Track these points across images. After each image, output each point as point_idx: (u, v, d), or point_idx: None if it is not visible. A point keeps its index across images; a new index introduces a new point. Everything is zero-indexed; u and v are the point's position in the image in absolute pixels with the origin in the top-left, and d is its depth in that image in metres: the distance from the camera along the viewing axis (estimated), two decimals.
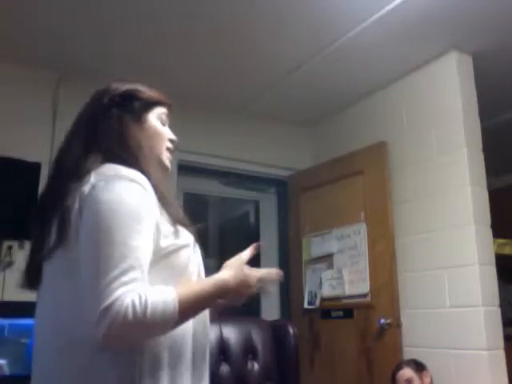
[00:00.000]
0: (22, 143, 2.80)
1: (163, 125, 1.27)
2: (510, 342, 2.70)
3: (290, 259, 3.65)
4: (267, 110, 3.61)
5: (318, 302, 3.31)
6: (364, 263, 3.06)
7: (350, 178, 3.25)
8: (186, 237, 1.14)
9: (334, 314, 3.23)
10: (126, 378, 0.98)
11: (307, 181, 3.60)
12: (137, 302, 0.93)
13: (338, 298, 3.20)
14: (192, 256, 1.15)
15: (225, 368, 2.26)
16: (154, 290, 0.98)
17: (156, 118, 1.25)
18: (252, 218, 4.08)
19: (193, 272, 1.14)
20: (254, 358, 2.33)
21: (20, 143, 2.80)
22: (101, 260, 0.96)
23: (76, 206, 1.03)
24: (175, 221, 1.11)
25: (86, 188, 1.03)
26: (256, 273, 1.19)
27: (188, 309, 1.02)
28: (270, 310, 3.68)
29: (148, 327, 0.96)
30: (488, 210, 2.69)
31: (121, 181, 1.04)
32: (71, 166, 1.12)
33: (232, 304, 1.27)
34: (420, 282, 2.82)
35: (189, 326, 1.10)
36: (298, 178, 3.70)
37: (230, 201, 4.09)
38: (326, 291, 3.27)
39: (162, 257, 1.07)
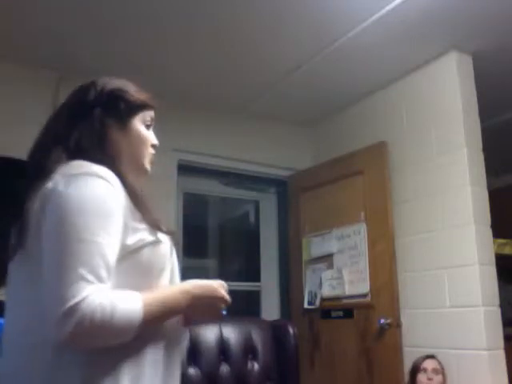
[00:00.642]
0: (22, 143, 2.78)
1: (148, 128, 1.25)
2: (510, 342, 2.70)
3: (290, 259, 3.65)
4: (267, 110, 3.61)
5: (317, 302, 3.31)
6: (364, 263, 3.06)
7: (350, 178, 3.25)
8: (159, 236, 1.10)
9: (333, 314, 3.23)
10: (88, 379, 0.95)
11: (307, 181, 3.60)
12: (106, 305, 0.91)
13: (337, 298, 3.20)
14: (163, 255, 1.10)
15: (225, 368, 2.25)
16: (122, 293, 0.96)
17: (141, 122, 1.22)
18: (252, 218, 4.08)
19: (163, 274, 1.10)
20: (254, 358, 2.33)
21: (20, 143, 2.77)
22: (65, 257, 0.92)
23: (37, 204, 1.00)
24: (149, 223, 1.08)
25: (50, 184, 1.00)
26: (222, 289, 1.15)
27: (153, 316, 1.00)
28: (270, 310, 3.69)
29: (113, 331, 0.93)
30: (488, 210, 2.69)
31: (87, 177, 1.00)
32: (39, 163, 1.08)
33: (203, 321, 1.23)
34: (420, 282, 2.82)
35: (160, 327, 1.07)
36: (298, 178, 3.70)
37: (230, 201, 4.09)
38: (326, 291, 3.27)
39: (128, 254, 1.03)
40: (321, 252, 3.37)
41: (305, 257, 3.50)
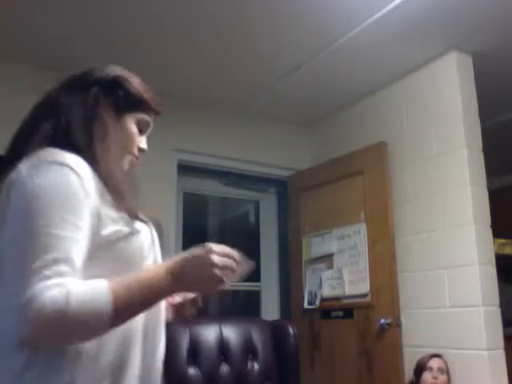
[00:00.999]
0: None
1: (140, 131, 1.17)
2: (510, 342, 2.70)
3: (289, 259, 3.65)
4: (267, 110, 3.61)
5: (318, 302, 3.31)
6: (364, 263, 3.06)
7: (350, 178, 3.25)
8: (137, 226, 1.04)
9: (333, 314, 3.23)
10: (44, 379, 0.89)
11: (307, 181, 3.59)
12: (59, 298, 0.84)
13: (337, 298, 3.20)
14: (141, 245, 1.03)
15: (225, 368, 2.26)
16: (83, 283, 0.88)
17: (134, 121, 1.15)
18: (252, 218, 4.08)
19: (143, 265, 1.03)
20: (254, 358, 2.34)
21: None
22: (22, 251, 0.87)
23: (4, 193, 0.96)
24: (126, 212, 1.01)
25: (15, 173, 0.95)
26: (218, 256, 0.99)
27: (126, 303, 0.90)
28: (270, 310, 3.69)
29: (73, 326, 0.85)
30: (488, 210, 2.69)
31: (51, 165, 0.94)
32: (14, 150, 1.04)
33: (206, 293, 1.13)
34: (420, 281, 2.82)
35: (134, 326, 0.99)
36: (297, 178, 3.70)
37: (230, 201, 4.09)
38: (326, 291, 3.27)
39: (105, 246, 0.97)
40: (321, 252, 3.37)
41: (305, 257, 3.50)
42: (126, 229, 1.00)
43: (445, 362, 2.54)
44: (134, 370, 0.99)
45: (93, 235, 0.95)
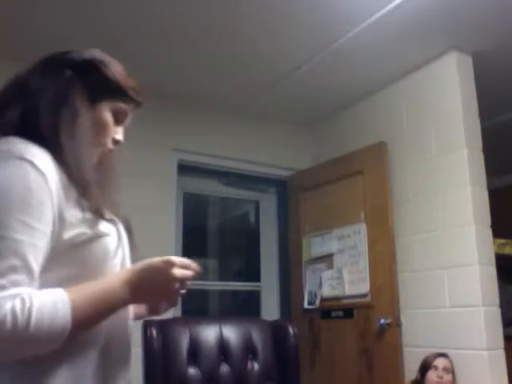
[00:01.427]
0: None
1: (116, 121, 1.07)
2: (510, 342, 2.70)
3: (289, 259, 3.65)
4: (267, 110, 3.61)
5: (318, 302, 3.31)
6: (364, 263, 3.06)
7: (350, 178, 3.25)
8: (107, 228, 0.96)
9: (333, 314, 3.23)
10: None
11: (307, 181, 3.60)
12: (18, 310, 0.78)
13: (337, 298, 3.20)
14: (107, 248, 0.96)
15: (225, 368, 2.25)
16: (42, 293, 0.82)
17: (110, 110, 1.04)
18: (252, 218, 4.08)
19: (109, 267, 0.96)
20: (254, 358, 2.33)
21: None
22: None
23: None
24: (94, 211, 0.93)
25: None
26: (176, 269, 0.94)
27: (84, 318, 0.86)
28: (270, 310, 3.69)
29: (31, 340, 0.80)
30: (488, 210, 2.69)
31: (9, 160, 0.86)
32: None
33: (153, 312, 1.08)
34: (420, 281, 2.82)
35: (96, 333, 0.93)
36: (297, 178, 3.70)
37: (230, 201, 4.09)
38: (326, 291, 3.27)
39: (66, 251, 0.90)
40: (321, 252, 3.37)
41: (305, 257, 3.50)
42: (89, 232, 0.92)
43: (450, 361, 2.53)
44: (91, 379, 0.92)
45: (54, 239, 0.88)
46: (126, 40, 2.69)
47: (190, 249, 3.46)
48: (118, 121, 1.07)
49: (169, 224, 3.22)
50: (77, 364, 0.89)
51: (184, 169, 3.41)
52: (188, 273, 0.95)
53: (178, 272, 0.93)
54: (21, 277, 0.81)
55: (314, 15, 2.50)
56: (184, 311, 3.26)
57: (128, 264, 1.03)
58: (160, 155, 3.23)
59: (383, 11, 2.47)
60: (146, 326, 2.18)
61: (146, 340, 2.16)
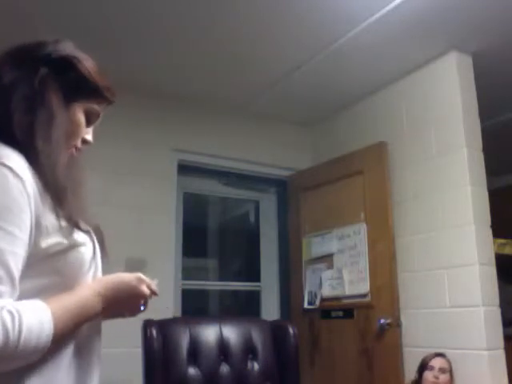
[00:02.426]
0: None
1: (88, 122, 1.02)
2: (510, 342, 2.70)
3: (289, 259, 3.65)
4: (267, 110, 3.61)
5: (318, 302, 3.31)
6: (364, 263, 3.06)
7: (350, 178, 3.25)
8: (82, 238, 0.95)
9: (333, 314, 3.23)
10: None
11: (307, 181, 3.60)
12: (9, 325, 0.76)
13: (337, 298, 3.20)
14: (82, 259, 0.94)
15: (225, 368, 2.26)
16: (28, 309, 0.80)
17: (83, 110, 1.00)
18: (252, 218, 4.09)
19: (83, 278, 0.94)
20: (254, 358, 2.33)
21: None
22: None
23: None
24: (69, 218, 0.90)
25: None
26: (142, 283, 1.01)
27: (64, 328, 0.86)
28: (270, 310, 3.69)
29: (18, 356, 0.78)
30: (488, 210, 2.69)
31: None
32: None
33: (120, 316, 1.11)
34: (420, 281, 2.82)
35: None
36: (297, 178, 3.70)
37: (230, 201, 4.09)
38: (326, 291, 3.27)
39: (42, 260, 0.87)
40: (321, 252, 3.37)
41: (305, 257, 3.50)
42: (65, 241, 0.89)
43: (448, 361, 2.53)
44: (69, 369, 0.92)
45: (31, 246, 0.85)
46: (126, 40, 2.69)
47: (189, 249, 3.47)
48: (89, 122, 1.03)
49: (169, 224, 3.22)
50: (48, 368, 0.88)
51: (184, 169, 3.41)
52: (152, 291, 1.04)
53: (145, 289, 1.01)
54: (4, 287, 0.79)
55: (314, 15, 2.50)
56: (184, 311, 3.26)
57: (99, 274, 1.02)
58: (160, 155, 3.23)
59: (383, 11, 2.47)
60: (146, 326, 2.18)
61: (146, 340, 2.16)
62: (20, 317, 0.78)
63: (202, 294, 3.76)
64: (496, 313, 2.57)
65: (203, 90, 3.28)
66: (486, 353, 2.46)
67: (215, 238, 4.12)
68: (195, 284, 3.58)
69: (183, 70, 3.05)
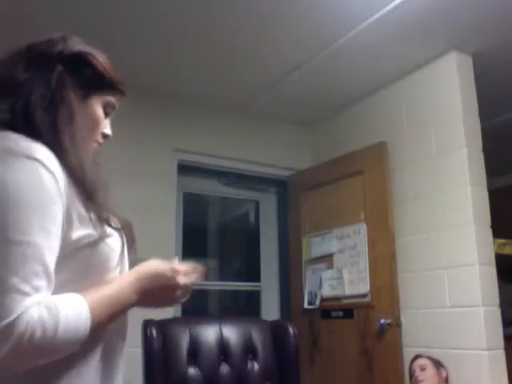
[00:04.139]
0: None
1: (106, 115, 1.04)
2: (510, 342, 2.70)
3: (289, 259, 3.65)
4: (267, 110, 3.61)
5: (318, 302, 3.31)
6: (364, 263, 3.06)
7: (350, 178, 3.25)
8: (111, 232, 0.94)
9: (333, 314, 3.23)
10: None
11: (307, 181, 3.60)
12: (46, 318, 0.77)
13: (337, 298, 3.20)
14: (112, 253, 0.94)
15: (225, 368, 2.25)
16: (65, 302, 0.81)
17: (100, 103, 1.01)
18: (252, 218, 4.09)
19: (112, 273, 0.94)
20: (254, 358, 2.33)
21: None
22: None
23: None
24: (99, 213, 0.91)
25: None
26: (180, 274, 0.99)
27: (101, 320, 0.86)
28: (270, 310, 3.69)
29: (58, 347, 0.79)
30: (488, 210, 2.69)
31: (15, 158, 0.81)
32: None
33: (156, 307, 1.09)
34: (420, 281, 2.82)
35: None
36: (297, 178, 3.71)
37: (230, 201, 4.09)
38: (326, 291, 3.27)
39: (74, 252, 0.87)
40: (321, 252, 3.37)
41: (305, 257, 3.50)
42: (95, 233, 0.89)
43: (427, 357, 2.57)
44: (96, 371, 0.92)
45: (62, 239, 0.85)
46: (126, 40, 2.69)
47: (189, 249, 3.47)
48: (106, 114, 1.04)
49: (169, 224, 3.22)
50: (76, 372, 0.88)
51: (184, 169, 3.41)
52: (191, 280, 1.01)
53: (182, 280, 0.98)
54: (42, 282, 0.79)
55: (314, 15, 2.50)
56: (184, 311, 3.26)
57: (126, 268, 1.01)
58: (160, 155, 3.23)
59: (383, 11, 2.47)
60: (146, 326, 2.18)
61: (146, 340, 2.16)
62: (57, 310, 0.79)
63: (202, 294, 3.76)
64: (496, 313, 2.57)
65: (203, 89, 3.28)
66: (486, 353, 2.46)
67: (215, 238, 4.12)
68: (195, 284, 3.57)
69: (183, 70, 3.05)
